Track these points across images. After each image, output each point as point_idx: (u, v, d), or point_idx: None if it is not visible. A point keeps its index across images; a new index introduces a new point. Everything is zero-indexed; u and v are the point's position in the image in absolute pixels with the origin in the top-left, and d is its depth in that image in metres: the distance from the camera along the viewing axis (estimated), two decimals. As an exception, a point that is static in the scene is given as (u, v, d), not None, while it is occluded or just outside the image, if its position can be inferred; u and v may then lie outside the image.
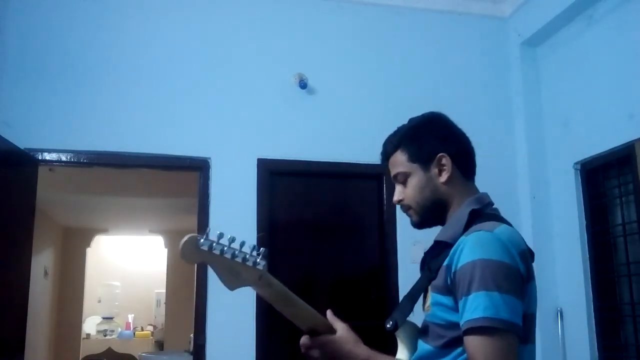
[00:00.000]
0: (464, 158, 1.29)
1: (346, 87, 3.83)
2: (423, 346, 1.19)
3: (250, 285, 1.11)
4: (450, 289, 1.13)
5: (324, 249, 3.73)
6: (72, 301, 7.74)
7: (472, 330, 1.05)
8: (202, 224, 3.49)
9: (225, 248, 1.05)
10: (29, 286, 3.39)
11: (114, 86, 3.50)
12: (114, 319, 8.78)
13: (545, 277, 3.54)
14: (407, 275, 3.58)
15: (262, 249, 1.11)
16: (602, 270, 3.48)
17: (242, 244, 1.08)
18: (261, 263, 1.10)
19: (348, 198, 3.85)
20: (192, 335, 4.15)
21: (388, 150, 1.32)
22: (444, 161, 1.26)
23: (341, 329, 1.21)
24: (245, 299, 3.18)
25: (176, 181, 4.95)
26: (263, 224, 3.54)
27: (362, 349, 1.18)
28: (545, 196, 3.83)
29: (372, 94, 3.81)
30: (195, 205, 3.62)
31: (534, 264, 1.19)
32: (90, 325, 8.56)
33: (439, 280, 1.16)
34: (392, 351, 1.26)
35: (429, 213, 1.28)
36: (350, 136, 3.69)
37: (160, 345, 8.25)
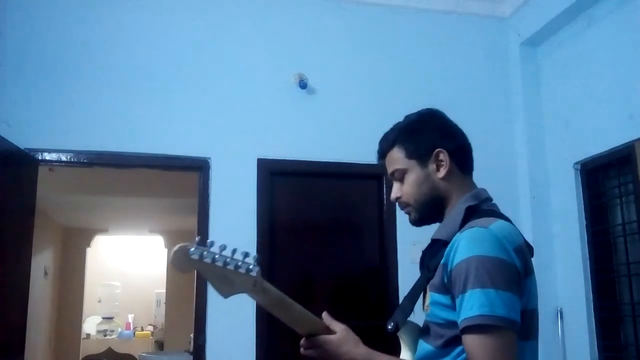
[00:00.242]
0: (461, 153, 1.28)
1: (346, 87, 3.83)
2: (424, 346, 1.19)
3: (244, 293, 1.10)
4: (447, 288, 1.12)
5: (324, 249, 3.73)
6: (72, 301, 7.75)
7: (469, 329, 1.04)
8: (202, 224, 3.49)
9: (217, 256, 1.04)
10: (29, 286, 3.39)
11: (114, 86, 3.50)
12: (114, 319, 8.79)
13: (545, 277, 3.54)
14: (407, 275, 3.58)
15: (255, 255, 1.10)
16: (602, 270, 3.48)
17: (234, 251, 1.07)
18: (254, 269, 1.09)
19: (348, 198, 3.85)
20: (192, 335, 4.15)
21: (384, 147, 1.31)
22: (441, 157, 1.25)
23: (340, 329, 1.21)
24: (245, 299, 3.15)
25: (176, 181, 4.95)
26: (263, 224, 3.54)
27: (361, 349, 1.17)
28: (545, 196, 3.83)
29: (372, 94, 3.81)
30: (195, 205, 3.62)
31: (533, 261, 1.18)
32: (90, 325, 8.57)
33: (436, 279, 1.16)
34: (395, 352, 1.25)
35: (428, 210, 1.27)
36: (350, 136, 3.69)
37: (160, 345, 8.25)
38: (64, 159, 3.40)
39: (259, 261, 1.10)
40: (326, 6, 3.90)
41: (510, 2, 4.07)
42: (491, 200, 1.26)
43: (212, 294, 3.34)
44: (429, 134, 1.27)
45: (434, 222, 1.29)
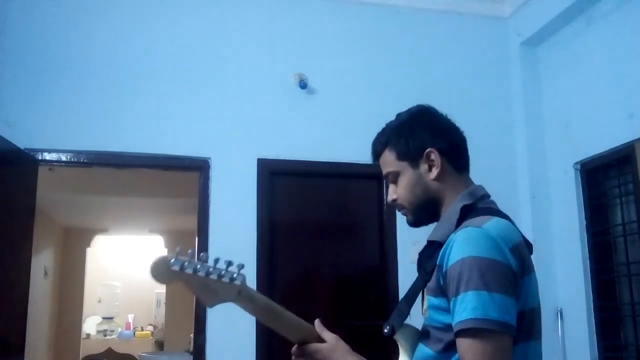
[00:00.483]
0: (454, 151, 1.25)
1: (346, 87, 3.83)
2: (423, 350, 1.16)
3: (230, 302, 1.08)
4: (443, 290, 1.09)
5: (324, 249, 3.73)
6: (72, 301, 7.75)
7: (462, 333, 1.02)
8: (202, 224, 3.49)
9: (199, 266, 1.02)
10: (29, 286, 3.39)
11: (114, 86, 3.50)
12: (114, 319, 8.79)
13: (545, 277, 3.54)
14: (407, 275, 3.58)
15: (239, 263, 1.08)
16: (602, 270, 3.48)
17: (217, 260, 1.05)
18: (238, 278, 1.06)
19: (348, 198, 3.86)
20: (192, 335, 4.16)
21: (377, 149, 1.29)
22: (432, 157, 1.22)
23: (331, 339, 1.18)
24: (245, 299, 3.17)
25: (176, 181, 4.95)
26: (263, 224, 3.54)
27: (352, 358, 1.15)
28: (545, 196, 3.83)
29: (372, 94, 3.81)
30: (195, 205, 3.62)
31: (533, 259, 1.15)
32: (90, 325, 8.56)
33: (432, 282, 1.13)
34: (393, 355, 1.24)
35: (423, 212, 1.25)
36: (350, 136, 3.69)
37: (160, 345, 8.25)
38: (64, 159, 3.40)
39: (243, 268, 1.08)
40: (326, 6, 3.90)
41: (510, 2, 4.07)
42: (488, 197, 1.23)
43: (212, 294, 3.34)
44: (418, 134, 1.23)
45: (431, 222, 1.26)
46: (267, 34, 3.79)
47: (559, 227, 3.74)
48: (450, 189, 1.22)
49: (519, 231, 1.14)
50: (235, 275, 1.05)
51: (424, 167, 1.23)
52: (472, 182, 1.26)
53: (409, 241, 3.60)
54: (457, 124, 1.30)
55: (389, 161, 1.26)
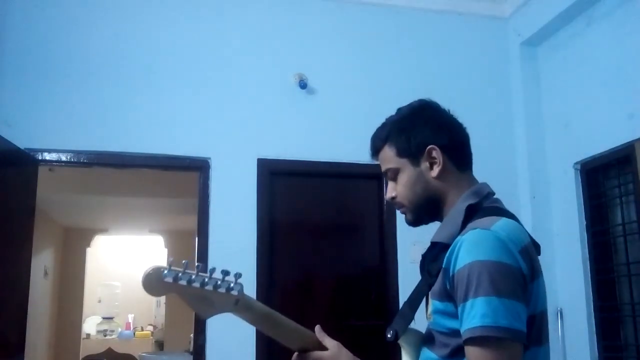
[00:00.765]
0: (456, 148, 1.20)
1: (346, 87, 3.83)
2: (428, 355, 1.12)
3: (226, 312, 1.05)
4: (450, 294, 1.05)
5: (324, 249, 3.73)
6: (72, 301, 7.75)
7: (471, 341, 0.98)
8: (202, 224, 3.49)
9: (193, 277, 0.99)
10: (29, 286, 3.39)
11: (114, 86, 3.50)
12: (114, 319, 8.79)
13: (545, 277, 3.50)
14: (407, 275, 3.58)
15: (236, 272, 1.03)
16: (602, 270, 3.48)
17: (213, 270, 1.02)
18: (236, 288, 1.02)
19: (348, 198, 3.86)
20: (192, 335, 4.16)
21: (376, 145, 1.24)
22: (434, 154, 1.17)
23: (332, 346, 1.14)
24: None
25: (176, 181, 4.95)
26: (263, 224, 3.54)
27: None
28: (545, 196, 3.83)
29: (372, 94, 3.81)
30: (195, 205, 3.62)
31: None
32: (90, 325, 8.57)
33: (437, 286, 1.08)
34: (394, 355, 1.22)
35: (423, 211, 1.20)
36: (350, 136, 3.69)
37: (160, 345, 8.25)
38: (64, 159, 3.40)
39: (240, 277, 1.04)
40: (326, 6, 3.90)
41: (510, 2, 4.07)
42: (493, 194, 1.18)
43: (212, 294, 3.34)
44: (420, 130, 1.18)
45: (431, 222, 1.22)
46: (267, 34, 3.79)
47: (559, 227, 3.74)
48: (453, 187, 1.17)
49: (527, 232, 1.10)
50: (232, 285, 1.02)
51: (425, 164, 1.18)
52: (475, 180, 1.21)
53: (409, 241, 3.60)
54: (453, 115, 1.26)
55: (389, 157, 1.21)
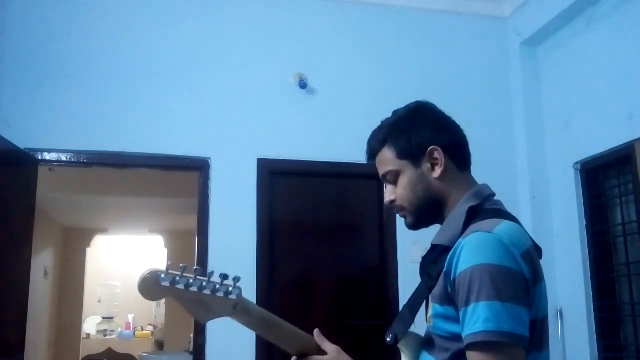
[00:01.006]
0: (457, 149, 1.18)
1: (346, 87, 3.83)
2: (428, 358, 1.11)
3: (225, 316, 1.04)
4: (451, 298, 1.03)
5: (324, 249, 3.73)
6: (72, 301, 7.75)
7: (473, 346, 0.96)
8: (202, 224, 3.49)
9: (191, 280, 0.98)
10: (29, 286, 3.39)
11: (114, 86, 3.50)
12: (114, 319, 8.79)
13: (545, 277, 3.52)
14: (407, 275, 3.58)
15: (235, 276, 1.03)
16: (602, 270, 3.48)
17: (211, 274, 1.00)
18: (234, 292, 1.02)
19: (348, 198, 3.86)
20: (192, 335, 4.16)
21: (374, 147, 1.20)
22: (436, 155, 1.15)
23: (332, 350, 1.12)
24: (245, 299, 3.17)
25: (176, 181, 4.95)
26: (263, 224, 3.54)
27: None
28: (545, 196, 3.83)
29: (372, 94, 3.81)
30: (195, 205, 3.62)
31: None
32: (90, 325, 8.57)
33: (438, 289, 1.07)
34: (394, 355, 1.21)
35: (425, 213, 1.17)
36: (350, 136, 3.69)
37: (160, 345, 8.25)
38: (64, 159, 3.40)
39: (239, 281, 1.03)
40: (326, 6, 3.90)
41: (510, 2, 4.07)
42: (494, 195, 1.17)
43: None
44: (420, 131, 1.16)
45: (432, 224, 1.20)
46: (267, 34, 3.79)
47: (559, 227, 3.74)
48: (454, 188, 1.16)
49: (529, 235, 1.08)
50: (231, 289, 1.02)
51: (426, 165, 1.15)
52: (475, 181, 1.20)
53: (409, 241, 3.60)
54: (451, 117, 1.24)
55: (388, 160, 1.18)
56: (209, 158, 3.57)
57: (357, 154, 3.54)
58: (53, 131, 3.37)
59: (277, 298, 3.53)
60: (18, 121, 3.30)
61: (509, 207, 1.16)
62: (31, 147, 3.30)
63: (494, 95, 4.06)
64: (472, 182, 1.19)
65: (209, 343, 3.35)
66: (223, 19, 3.76)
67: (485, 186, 1.18)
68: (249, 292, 0.98)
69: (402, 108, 1.22)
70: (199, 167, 3.56)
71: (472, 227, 1.05)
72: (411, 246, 3.59)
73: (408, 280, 3.54)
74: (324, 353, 1.12)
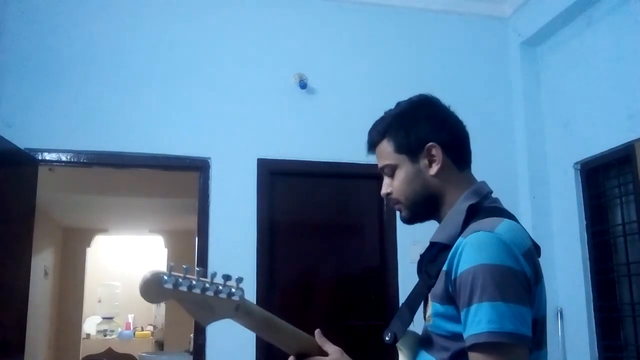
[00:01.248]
0: (456, 147, 1.17)
1: (346, 87, 3.83)
2: (426, 357, 1.10)
3: (226, 318, 1.03)
4: (451, 298, 1.02)
5: (324, 249, 3.73)
6: (72, 301, 7.75)
7: (477, 347, 0.95)
8: (202, 224, 3.49)
9: (194, 282, 0.97)
10: (29, 286, 3.39)
11: (114, 86, 3.50)
12: (114, 319, 8.78)
13: (545, 277, 3.51)
14: (407, 275, 3.58)
15: (237, 277, 1.02)
16: (602, 270, 3.48)
17: (214, 275, 0.99)
18: (237, 293, 1.01)
19: (348, 198, 3.86)
20: (192, 335, 4.16)
21: (374, 139, 1.20)
22: (433, 152, 1.14)
23: (333, 351, 1.11)
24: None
25: (176, 181, 4.95)
26: (263, 224, 3.54)
27: None
28: (545, 196, 3.83)
29: (372, 94, 3.80)
30: (195, 205, 3.62)
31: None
32: (90, 325, 8.56)
33: (438, 288, 1.06)
34: (393, 355, 1.21)
35: (420, 208, 1.17)
36: (350, 136, 3.68)
37: (160, 345, 8.25)
38: (64, 159, 3.40)
39: (241, 282, 1.02)
40: (326, 6, 3.90)
41: (510, 2, 4.07)
42: (491, 193, 1.16)
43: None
44: (420, 126, 1.15)
45: (427, 220, 1.19)
46: (267, 34, 3.79)
47: (559, 227, 3.74)
48: (452, 186, 1.15)
49: (527, 233, 1.08)
50: (233, 290, 1.01)
51: (423, 162, 1.15)
52: (475, 179, 1.19)
53: (409, 241, 3.60)
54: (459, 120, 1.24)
55: (386, 153, 1.18)
56: (209, 158, 3.57)
57: (357, 154, 3.55)
58: (53, 131, 3.37)
59: (277, 298, 3.53)
60: (18, 121, 3.30)
61: (509, 207, 1.16)
62: (31, 147, 3.30)
63: (494, 95, 4.06)
64: (471, 179, 1.19)
65: (209, 343, 3.35)
66: (223, 19, 3.76)
67: (484, 184, 1.18)
68: (249, 292, 0.98)
69: (406, 101, 1.22)
70: (199, 167, 3.56)
71: (472, 225, 1.04)
72: (411, 246, 3.59)
73: (408, 280, 3.54)
74: (325, 354, 1.11)
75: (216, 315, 1.01)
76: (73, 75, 3.46)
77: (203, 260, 3.42)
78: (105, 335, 8.53)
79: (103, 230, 8.07)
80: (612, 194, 3.50)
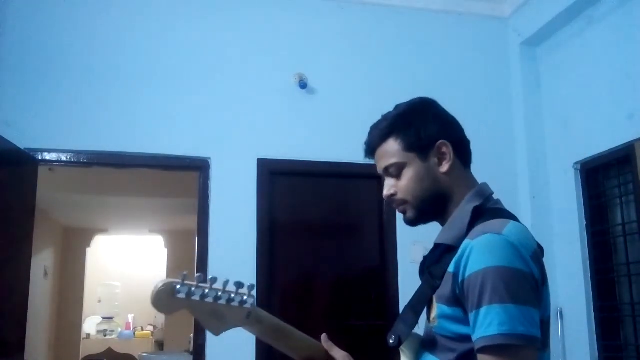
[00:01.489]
0: (463, 146, 1.18)
1: (346, 87, 3.83)
2: (431, 359, 1.09)
3: (237, 326, 1.03)
4: (458, 299, 1.02)
5: (324, 249, 3.73)
6: (72, 301, 7.75)
7: (487, 349, 0.95)
8: (202, 224, 3.49)
9: (207, 291, 0.96)
10: (29, 286, 3.39)
11: (114, 86, 3.50)
12: (114, 319, 8.78)
13: (545, 277, 3.53)
14: (407, 275, 3.58)
15: (249, 284, 1.02)
16: (602, 270, 3.48)
17: (226, 283, 0.99)
18: (249, 301, 1.00)
19: (348, 198, 3.86)
20: (192, 335, 4.16)
21: (375, 140, 1.18)
22: (444, 149, 1.13)
23: (341, 357, 1.11)
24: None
25: (176, 181, 4.95)
26: (263, 224, 3.54)
27: None
28: (545, 196, 3.83)
29: (372, 94, 3.80)
30: (195, 205, 3.62)
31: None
32: (90, 325, 8.56)
33: (444, 290, 1.05)
34: (394, 355, 1.21)
35: (428, 207, 1.15)
36: (350, 136, 3.66)
37: (160, 345, 8.25)
38: (64, 159, 3.40)
39: (254, 289, 1.02)
40: (326, 6, 3.90)
41: (510, 2, 4.07)
42: (493, 194, 1.16)
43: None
44: (430, 124, 1.15)
45: (432, 220, 1.18)
46: (267, 34, 3.79)
47: (559, 227, 3.74)
48: (459, 185, 1.15)
49: (532, 235, 1.08)
50: (245, 298, 1.00)
51: (433, 160, 1.14)
52: (476, 180, 1.19)
53: (409, 241, 3.60)
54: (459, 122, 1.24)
55: (393, 152, 1.15)
56: (209, 158, 3.57)
57: (357, 154, 3.53)
58: (53, 131, 3.37)
59: (277, 298, 3.53)
60: (18, 121, 3.30)
61: (509, 207, 1.16)
62: (31, 147, 3.30)
63: (494, 95, 4.06)
64: (474, 180, 1.19)
65: (209, 343, 3.36)
66: (223, 19, 3.76)
67: (486, 185, 1.18)
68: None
69: (405, 103, 1.21)
70: (199, 167, 3.56)
71: (479, 227, 1.04)
72: (411, 246, 3.59)
73: (408, 280, 3.54)
74: (332, 359, 1.11)
75: (228, 324, 1.01)
76: (73, 75, 3.46)
77: (203, 261, 3.42)
78: (105, 335, 8.53)
79: (103, 230, 8.07)
80: (612, 194, 3.50)
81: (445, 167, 1.14)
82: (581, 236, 3.56)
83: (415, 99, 1.21)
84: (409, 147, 1.14)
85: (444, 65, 4.01)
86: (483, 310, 0.96)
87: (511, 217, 1.09)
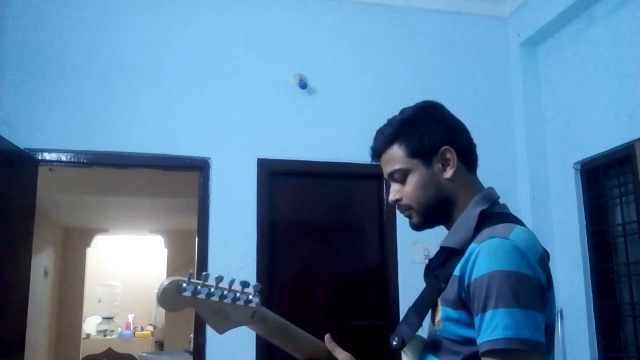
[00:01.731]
0: (468, 151, 1.17)
1: (346, 87, 3.83)
2: None
3: (242, 325, 1.04)
4: (464, 303, 1.02)
5: (324, 249, 3.73)
6: (72, 301, 7.75)
7: (492, 353, 0.95)
8: (202, 224, 3.49)
9: (212, 289, 0.97)
10: (29, 286, 3.39)
11: (114, 86, 3.50)
12: (114, 319, 8.78)
13: (545, 277, 3.53)
14: (407, 275, 3.58)
15: (255, 284, 1.02)
16: (602, 270, 3.48)
17: (232, 282, 0.99)
18: (254, 300, 1.01)
19: (348, 198, 3.85)
20: (192, 335, 4.16)
21: (380, 145, 1.17)
22: (448, 155, 1.13)
23: (344, 358, 1.11)
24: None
25: (176, 181, 4.95)
26: (263, 224, 3.54)
27: None
28: (545, 196, 3.83)
29: (372, 94, 3.81)
30: (195, 205, 3.62)
31: None
32: (90, 325, 8.56)
33: (449, 293, 1.05)
34: (396, 357, 1.21)
35: (433, 213, 1.15)
36: (350, 136, 3.69)
37: (160, 345, 8.25)
38: (64, 159, 3.40)
39: (259, 290, 1.02)
40: (326, 6, 3.90)
41: (510, 2, 4.07)
42: (499, 198, 1.16)
43: (212, 294, 3.33)
44: (434, 130, 1.14)
45: (437, 225, 1.19)
46: (267, 34, 3.79)
47: (559, 227, 3.74)
48: (463, 190, 1.14)
49: (538, 239, 1.08)
50: (251, 297, 1.01)
51: (437, 165, 1.14)
52: (482, 184, 1.19)
53: (409, 241, 3.60)
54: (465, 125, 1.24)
55: (398, 158, 1.15)
56: (209, 158, 3.57)
57: (357, 154, 3.58)
58: (53, 131, 3.37)
59: (277, 298, 3.53)
60: (18, 121, 3.30)
61: (509, 207, 1.16)
62: (31, 147, 3.30)
63: (494, 95, 4.06)
64: (480, 184, 1.19)
65: (209, 343, 3.35)
66: (223, 19, 3.76)
67: (492, 189, 1.18)
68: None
69: (411, 107, 1.20)
70: (199, 167, 3.56)
71: (486, 231, 1.04)
72: (411, 246, 3.59)
73: (408, 280, 3.54)
74: (335, 359, 1.12)
75: (233, 322, 1.01)
76: (73, 75, 3.46)
77: (203, 261, 3.42)
78: (105, 335, 8.53)
79: (103, 230, 8.07)
80: (612, 194, 3.50)
81: (449, 173, 1.14)
82: (581, 236, 3.56)
83: (421, 102, 1.21)
84: (412, 153, 1.14)
85: (444, 65, 4.01)
86: (488, 314, 0.97)
87: (517, 221, 1.09)
